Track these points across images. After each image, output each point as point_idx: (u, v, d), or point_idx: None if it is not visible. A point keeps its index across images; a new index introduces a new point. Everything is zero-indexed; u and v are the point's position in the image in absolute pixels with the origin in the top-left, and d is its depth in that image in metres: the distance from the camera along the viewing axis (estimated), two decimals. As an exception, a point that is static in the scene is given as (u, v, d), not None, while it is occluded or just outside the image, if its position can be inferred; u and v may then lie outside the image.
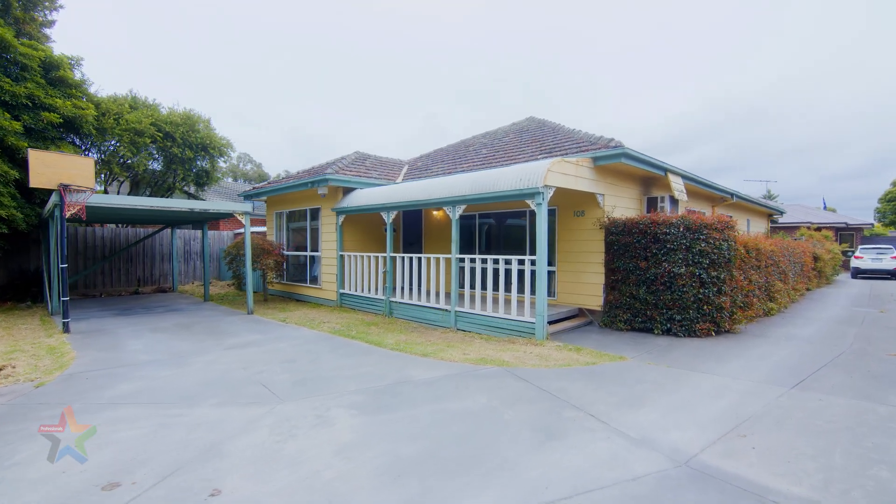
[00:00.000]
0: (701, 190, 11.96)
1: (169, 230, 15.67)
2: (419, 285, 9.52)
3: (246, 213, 10.45)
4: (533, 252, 10.12)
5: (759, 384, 5.07)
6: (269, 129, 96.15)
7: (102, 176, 15.45)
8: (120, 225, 16.50)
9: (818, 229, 25.81)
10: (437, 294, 8.99)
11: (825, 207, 40.69)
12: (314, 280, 12.71)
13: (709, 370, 5.63)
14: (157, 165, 16.75)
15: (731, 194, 13.54)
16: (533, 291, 10.22)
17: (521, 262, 7.50)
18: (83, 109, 12.39)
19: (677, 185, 9.70)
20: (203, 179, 17.03)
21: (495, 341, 7.54)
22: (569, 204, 9.39)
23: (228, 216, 10.50)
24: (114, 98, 14.74)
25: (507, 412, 4.19)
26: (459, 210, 8.52)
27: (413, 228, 13.04)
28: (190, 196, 18.36)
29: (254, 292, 14.78)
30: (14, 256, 13.14)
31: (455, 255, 8.61)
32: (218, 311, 11.04)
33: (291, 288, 13.66)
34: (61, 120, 11.78)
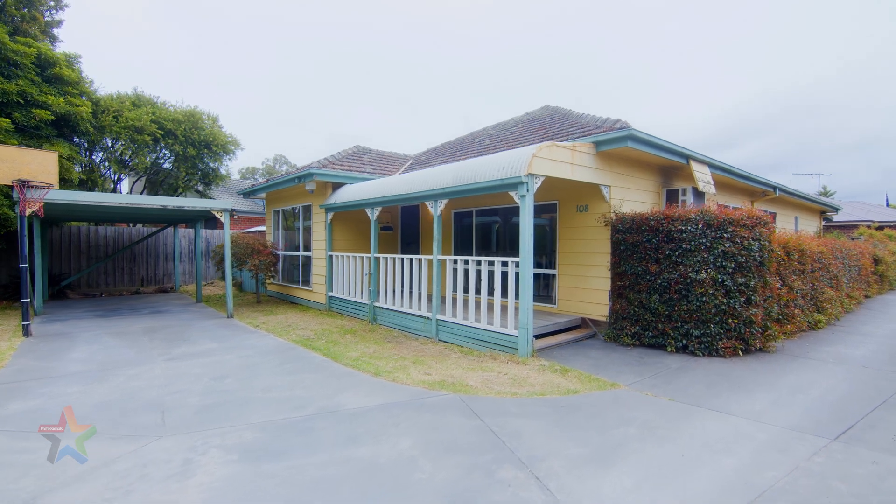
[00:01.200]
0: (735, 182, 10.38)
1: (171, 229, 15.41)
2: (402, 290, 8.58)
3: (224, 211, 9.81)
4: (546, 250, 8.96)
5: (790, 431, 3.77)
6: (315, 131, 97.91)
7: (110, 175, 15.38)
8: (129, 224, 16.43)
9: (880, 228, 22.97)
10: (420, 300, 7.99)
11: (888, 204, 36.80)
12: (306, 282, 11.98)
13: (723, 407, 4.35)
14: (167, 164, 16.61)
15: (774, 188, 11.81)
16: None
17: (506, 265, 6.41)
18: (77, 106, 12.18)
19: (702, 175, 8.27)
20: (210, 178, 16.74)
21: (474, 356, 6.47)
22: (571, 197, 8.16)
23: (206, 214, 9.92)
24: (115, 96, 14.59)
25: (424, 467, 3.14)
26: (441, 205, 7.48)
27: (411, 227, 12.09)
28: (200, 195, 18.13)
29: (252, 293, 14.30)
30: (15, 256, 13.07)
31: (437, 256, 7.58)
32: (201, 314, 10.47)
33: (286, 289, 13.01)
34: (53, 117, 11.57)
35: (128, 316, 10.13)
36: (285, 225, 13.30)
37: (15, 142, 10.87)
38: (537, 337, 7.03)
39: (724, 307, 6.20)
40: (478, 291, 7.72)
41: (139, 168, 14.27)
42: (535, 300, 8.77)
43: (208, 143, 15.74)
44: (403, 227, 12.27)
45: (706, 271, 6.27)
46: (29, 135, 11.52)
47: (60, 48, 14.72)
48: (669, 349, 6.54)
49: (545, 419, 4.00)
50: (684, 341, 6.44)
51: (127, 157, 14.18)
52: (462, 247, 10.68)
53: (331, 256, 10.66)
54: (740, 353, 6.27)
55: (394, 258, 8.68)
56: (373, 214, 9.16)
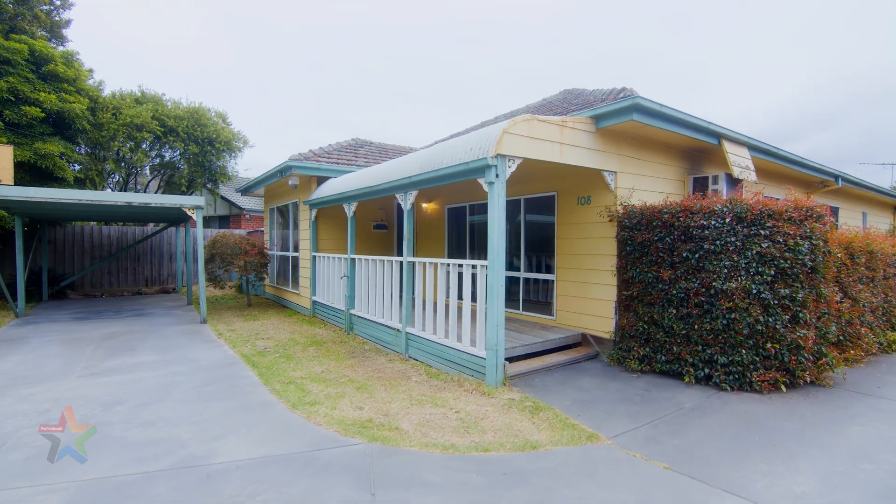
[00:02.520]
0: (785, 169, 8.61)
1: (173, 228, 15.05)
2: (376, 296, 7.48)
3: (196, 208, 9.07)
4: (544, 252, 7.63)
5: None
6: (349, 132, 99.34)
7: (110, 173, 15.22)
8: (131, 223, 16.27)
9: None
10: (392, 309, 6.87)
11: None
12: (295, 284, 11.14)
13: (745, 486, 2.95)
14: (182, 165, 16.35)
15: (836, 176, 9.85)
16: (522, 307, 7.74)
17: (475, 268, 5.17)
18: (70, 103, 11.90)
19: (738, 158, 6.68)
20: (216, 176, 16.33)
21: (438, 382, 5.28)
22: (571, 188, 6.78)
23: (176, 210, 9.23)
24: (118, 94, 14.36)
25: None
26: (411, 197, 6.32)
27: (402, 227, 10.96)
28: (211, 194, 17.81)
29: (252, 295, 13.65)
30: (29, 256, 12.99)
31: (406, 257, 6.43)
32: (180, 318, 9.80)
33: (280, 292, 12.24)
34: (43, 114, 11.30)
35: (106, 319, 9.59)
36: (279, 223, 12.55)
37: (4, 139, 10.65)
38: (522, 358, 5.75)
39: (760, 327, 4.69)
40: (460, 297, 6.51)
41: (137, 165, 13.94)
42: (530, 311, 7.45)
43: (211, 141, 15.29)
44: (399, 225, 11.19)
45: (736, 279, 4.78)
46: (22, 133, 11.30)
47: (70, 48, 14.69)
48: (687, 379, 5.07)
49: (466, 501, 2.75)
50: (706, 370, 4.96)
51: (125, 155, 13.89)
52: (457, 247, 9.46)
53: (315, 257, 9.72)
54: (783, 387, 4.73)
55: (367, 260, 7.60)
56: (349, 210, 8.12)
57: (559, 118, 5.36)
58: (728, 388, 4.81)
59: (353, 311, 8.07)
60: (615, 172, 6.06)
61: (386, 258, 6.97)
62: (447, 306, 5.70)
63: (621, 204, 6.01)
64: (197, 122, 14.99)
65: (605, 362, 5.96)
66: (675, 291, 5.17)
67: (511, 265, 7.98)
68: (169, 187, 17.99)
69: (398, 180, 6.32)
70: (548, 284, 7.22)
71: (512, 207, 7.89)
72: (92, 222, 15.48)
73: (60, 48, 13.23)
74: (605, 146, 5.91)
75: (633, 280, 5.66)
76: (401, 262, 6.69)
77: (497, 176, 4.80)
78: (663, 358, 5.29)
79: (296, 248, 11.08)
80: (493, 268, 4.85)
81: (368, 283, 7.63)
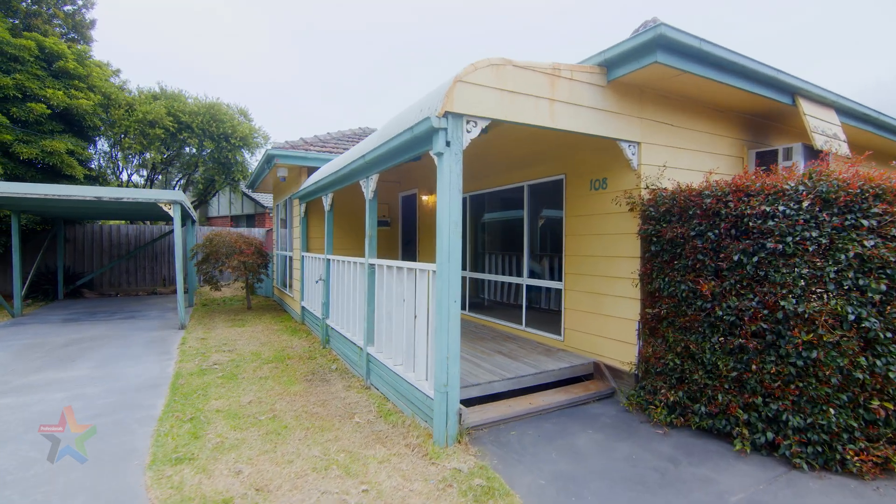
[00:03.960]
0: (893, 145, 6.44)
1: (188, 226, 14.68)
2: (346, 305, 6.24)
3: (174, 203, 8.27)
4: (552, 253, 6.09)
5: None
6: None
7: (130, 174, 15.11)
8: (148, 222, 16.16)
9: None
10: (356, 322, 5.60)
11: None
12: (291, 287, 10.18)
13: None
14: (204, 168, 16.08)
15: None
16: (525, 322, 6.19)
17: (423, 273, 3.75)
18: (77, 99, 11.68)
19: (823, 123, 4.78)
20: (233, 173, 15.87)
21: (385, 425, 3.95)
22: (583, 168, 5.16)
23: (150, 206, 8.48)
24: (136, 91, 14.17)
25: None
26: (372, 182, 4.99)
27: (409, 222, 9.69)
28: (235, 192, 17.46)
29: (262, 297, 12.95)
30: (42, 255, 13.02)
31: (368, 259, 5.11)
32: (164, 322, 9.09)
33: (282, 295, 11.39)
34: (49, 111, 11.10)
35: (94, 322, 9.07)
36: (282, 221, 11.68)
37: (9, 137, 10.49)
38: (504, 396, 4.27)
39: (860, 374, 2.93)
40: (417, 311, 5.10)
41: (147, 163, 13.63)
42: (535, 327, 5.90)
43: (227, 136, 14.79)
44: (403, 222, 9.91)
45: (819, 297, 3.04)
46: (31, 130, 11.16)
47: (96, 48, 14.74)
48: (738, 446, 3.37)
49: None
50: (769, 434, 3.24)
51: (137, 152, 13.63)
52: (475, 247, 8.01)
53: (303, 258, 8.66)
54: (902, 473, 2.94)
55: (339, 261, 6.37)
56: (326, 202, 6.93)
57: (549, 63, 3.80)
58: (805, 467, 3.07)
59: (328, 322, 6.89)
60: (637, 144, 4.41)
61: (355, 260, 5.70)
62: (410, 322, 4.32)
63: (647, 187, 4.36)
64: (213, 117, 14.54)
65: (620, 406, 4.32)
66: (720, 312, 3.48)
67: (513, 269, 6.45)
68: (191, 186, 17.87)
69: (354, 162, 5.02)
70: (553, 296, 5.64)
71: (513, 197, 6.36)
72: (110, 221, 15.49)
73: (80, 46, 13.11)
74: (621, 106, 4.27)
75: (661, 293, 4.00)
76: (364, 265, 5.37)
77: (448, 144, 3.36)
78: (703, 409, 3.60)
79: (292, 247, 10.13)
80: (443, 275, 3.41)
81: (339, 289, 6.40)
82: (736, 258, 3.39)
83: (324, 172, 6.75)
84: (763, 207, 3.31)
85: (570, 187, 5.32)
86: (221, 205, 20.47)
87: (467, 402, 4.08)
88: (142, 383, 5.18)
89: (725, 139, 5.10)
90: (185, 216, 11.72)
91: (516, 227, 6.33)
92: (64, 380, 5.27)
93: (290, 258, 10.12)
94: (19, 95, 10.81)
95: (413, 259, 9.43)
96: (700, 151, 4.85)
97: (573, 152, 5.24)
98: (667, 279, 3.93)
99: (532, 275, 6.05)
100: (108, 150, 13.70)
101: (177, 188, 18.80)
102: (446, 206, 3.37)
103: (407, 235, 9.77)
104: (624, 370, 4.52)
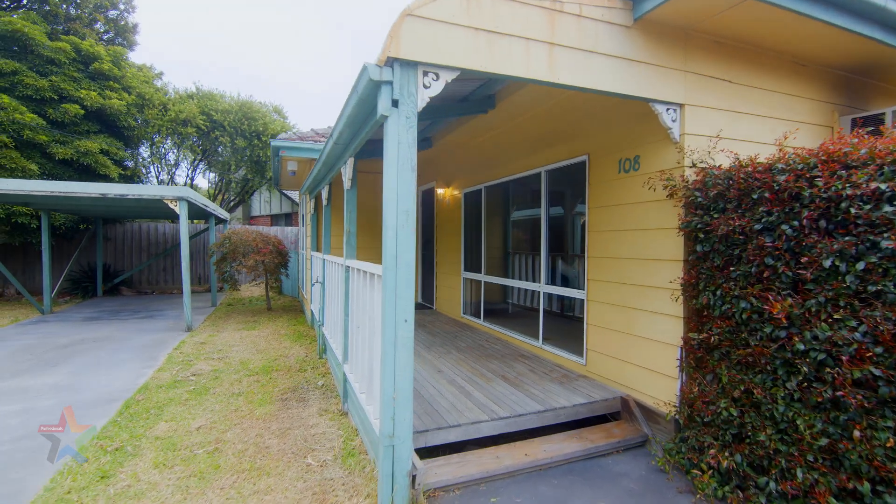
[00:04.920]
0: None
1: (222, 226, 14.69)
2: (336, 312, 5.46)
3: (180, 199, 7.91)
4: (572, 254, 5.03)
5: None
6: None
7: (162, 173, 15.32)
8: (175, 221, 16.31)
9: None
10: (336, 332, 4.81)
11: None
12: (306, 288, 9.64)
13: None
14: (241, 169, 16.14)
15: None
16: (541, 338, 5.13)
17: (372, 277, 2.84)
18: (110, 99, 11.83)
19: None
20: (266, 171, 15.75)
21: (340, 471, 3.14)
22: (609, 145, 4.03)
23: (157, 202, 8.16)
24: (174, 91, 14.32)
25: None
26: (349, 168, 4.17)
27: (429, 220, 8.82)
28: (270, 191, 17.44)
29: (289, 297, 12.62)
30: (80, 253, 13.41)
31: (346, 261, 4.29)
32: (174, 323, 8.82)
33: (302, 296, 10.92)
34: (83, 111, 11.27)
35: (112, 321, 8.97)
36: (302, 217, 11.22)
37: (45, 138, 10.73)
38: (504, 439, 3.29)
39: None
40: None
41: (178, 161, 13.67)
42: (553, 344, 4.84)
43: (259, 134, 14.64)
44: (423, 218, 9.05)
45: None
46: (67, 130, 11.40)
47: (138, 52, 15.11)
48: (831, 553, 2.18)
49: None
50: (887, 544, 2.04)
51: (169, 151, 13.73)
52: (473, 244, 7.03)
53: (312, 257, 8.05)
54: None
55: (329, 262, 5.62)
56: (324, 195, 6.21)
57: (547, -6, 2.77)
58: None
59: (323, 329, 6.17)
60: (679, 106, 3.26)
61: (337, 260, 4.90)
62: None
63: (692, 164, 3.20)
64: (245, 115, 14.43)
65: (651, 463, 3.19)
66: (802, 345, 2.31)
67: (530, 272, 5.40)
68: (230, 185, 18.03)
69: (327, 144, 4.21)
70: (573, 307, 4.54)
71: (530, 186, 5.30)
72: (148, 220, 15.81)
73: (117, 48, 13.37)
74: (655, 54, 3.14)
75: (711, 310, 2.85)
76: (342, 267, 4.55)
77: (395, 104, 2.43)
78: (773, 487, 2.43)
79: (305, 245, 9.59)
80: (389, 284, 2.49)
81: (330, 293, 5.65)
82: (828, 264, 2.21)
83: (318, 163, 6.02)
84: (875, 185, 2.11)
85: (594, 171, 4.20)
86: (262, 204, 20.65)
87: (442, 449, 3.14)
88: (99, 397, 4.66)
89: (807, 102, 3.79)
90: (208, 215, 11.56)
91: (533, 221, 5.27)
92: (28, 388, 4.87)
93: (304, 257, 9.59)
94: (55, 97, 11.04)
95: (431, 265, 8.55)
96: (769, 118, 3.59)
97: (598, 126, 4.13)
98: (719, 292, 2.77)
99: (551, 280, 4.97)
100: (148, 150, 13.92)
101: (218, 188, 19.10)
102: (393, 191, 2.45)
103: (426, 235, 8.91)
104: (660, 412, 3.38)
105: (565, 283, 4.78)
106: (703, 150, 3.26)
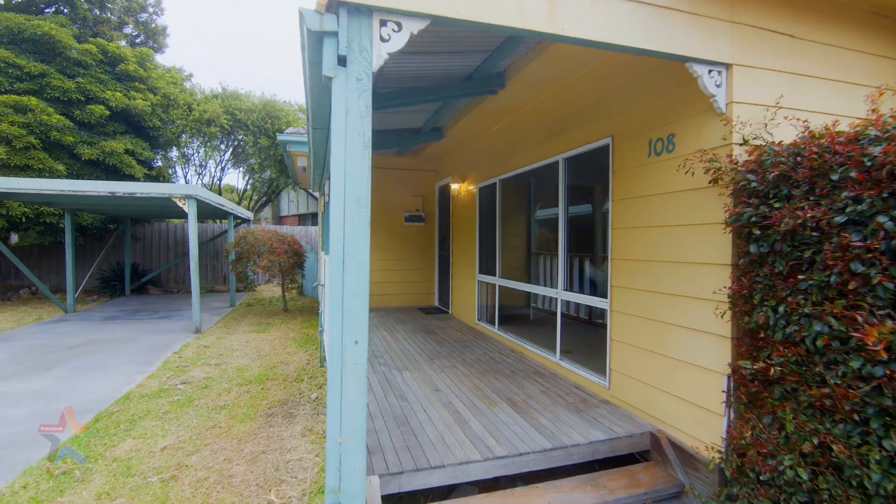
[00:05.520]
0: None
1: (246, 225, 14.64)
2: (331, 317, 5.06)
3: (188, 198, 7.69)
4: (595, 255, 4.37)
5: None
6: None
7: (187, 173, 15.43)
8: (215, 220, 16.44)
9: None
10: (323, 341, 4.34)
11: None
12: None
13: None
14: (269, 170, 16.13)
15: None
16: (559, 352, 4.47)
17: (343, 264, 2.30)
18: (134, 100, 11.92)
19: None
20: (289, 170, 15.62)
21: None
22: (637, 124, 3.32)
23: (165, 201, 7.96)
24: (196, 92, 14.39)
25: None
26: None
27: (446, 217, 8.25)
28: (296, 191, 17.37)
29: (309, 298, 12.38)
30: (107, 252, 13.63)
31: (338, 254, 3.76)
32: (187, 324, 8.65)
33: (320, 297, 10.57)
34: (108, 112, 11.39)
35: (130, 321, 8.91)
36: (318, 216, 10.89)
37: (72, 139, 10.87)
38: (506, 482, 2.70)
39: None
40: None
41: (203, 161, 13.68)
42: (572, 361, 4.19)
43: (281, 132, 14.49)
44: (441, 215, 8.49)
45: None
46: (95, 131, 11.55)
47: (168, 54, 15.32)
48: None
49: None
50: None
51: (194, 151, 13.77)
52: (488, 244, 6.40)
53: (322, 257, 7.64)
54: None
55: (325, 260, 5.13)
56: (325, 189, 5.77)
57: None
58: None
59: (324, 336, 5.70)
60: (725, 67, 2.55)
61: (325, 257, 4.39)
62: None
63: (743, 141, 2.49)
64: (268, 114, 14.33)
65: (691, 521, 2.50)
66: (911, 390, 1.58)
67: (547, 276, 4.74)
68: (252, 184, 18.07)
69: (309, 126, 3.71)
70: (600, 317, 3.85)
71: (546, 177, 4.64)
72: (175, 220, 15.98)
73: (142, 49, 13.53)
74: (696, 4, 2.45)
75: (771, 332, 2.14)
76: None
77: (343, 62, 1.88)
78: (863, 584, 1.72)
79: (319, 245, 9.23)
80: (335, 293, 1.94)
81: (326, 296, 5.17)
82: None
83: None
84: None
85: (619, 155, 3.51)
86: (289, 203, 20.70)
87: (424, 495, 2.57)
88: (76, 407, 4.35)
89: (892, 60, 2.98)
90: (226, 214, 11.43)
91: (551, 218, 4.61)
92: (7, 395, 4.64)
93: (319, 257, 9.23)
94: (82, 98, 11.19)
95: (447, 266, 7.98)
96: (843, 83, 2.81)
97: (623, 101, 3.44)
98: (782, 308, 2.06)
99: (569, 286, 4.29)
100: (176, 151, 14.03)
101: (246, 187, 19.22)
102: (340, 173, 1.89)
103: (442, 233, 8.34)
104: (700, 456, 2.67)
105: (587, 288, 4.10)
106: (758, 123, 2.54)
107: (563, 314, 4.34)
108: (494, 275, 5.83)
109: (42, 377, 5.23)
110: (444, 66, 3.90)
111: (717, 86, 2.56)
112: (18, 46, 10.84)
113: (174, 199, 7.67)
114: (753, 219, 2.22)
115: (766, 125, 2.55)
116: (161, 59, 13.89)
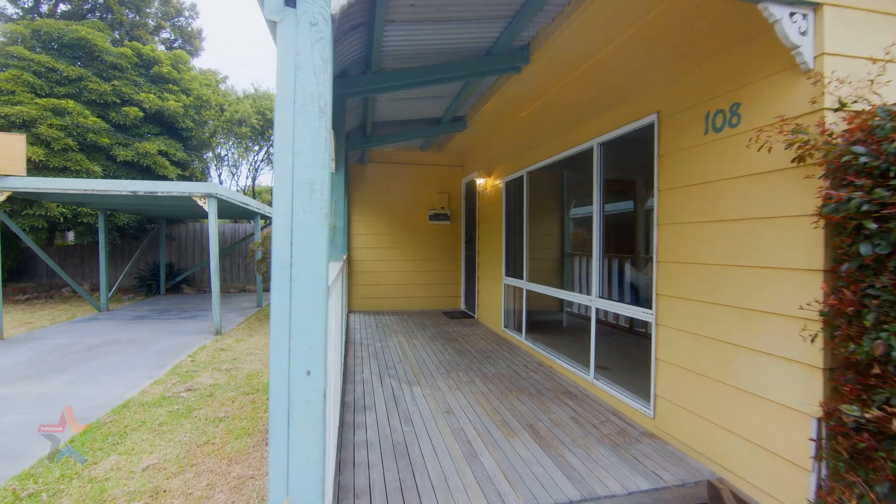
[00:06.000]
0: None
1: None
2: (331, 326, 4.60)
3: (208, 196, 7.53)
4: (635, 256, 3.77)
5: None
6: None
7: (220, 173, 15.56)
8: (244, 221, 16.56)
9: None
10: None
11: None
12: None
13: None
14: None
15: None
16: (593, 369, 3.88)
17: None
18: (167, 101, 12.06)
19: None
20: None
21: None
22: (689, 95, 2.69)
23: (185, 200, 7.83)
24: (230, 93, 14.50)
25: None
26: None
27: (472, 215, 7.72)
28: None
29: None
30: (142, 252, 13.90)
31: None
32: (209, 326, 8.53)
33: (343, 299, 10.29)
34: (142, 113, 11.56)
35: (156, 320, 8.92)
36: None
37: (107, 140, 11.10)
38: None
39: None
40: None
41: (236, 161, 13.74)
42: (609, 379, 3.60)
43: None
44: (469, 214, 7.97)
45: None
46: (130, 133, 11.77)
47: (203, 56, 15.56)
48: None
49: None
50: None
51: (227, 152, 13.85)
52: (515, 243, 5.81)
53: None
54: None
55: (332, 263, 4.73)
56: (331, 177, 5.36)
57: None
58: None
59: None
60: (813, 8, 1.91)
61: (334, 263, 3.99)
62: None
63: (839, 106, 1.85)
64: (298, 113, 14.22)
65: None
66: None
67: (580, 281, 4.14)
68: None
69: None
70: (643, 331, 3.24)
71: (580, 166, 4.04)
72: (205, 220, 16.18)
73: (176, 51, 13.74)
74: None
75: (894, 366, 1.50)
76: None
77: (290, 2, 1.41)
78: None
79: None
80: (279, 309, 1.46)
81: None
82: None
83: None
84: None
85: (666, 134, 2.89)
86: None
87: (411, 556, 2.07)
88: (75, 414, 4.13)
89: None
90: (252, 213, 11.34)
91: (583, 214, 4.01)
92: (9, 398, 4.49)
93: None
94: (117, 100, 11.40)
95: (473, 267, 7.46)
96: None
97: (672, 70, 2.81)
98: (914, 335, 1.43)
99: (605, 292, 3.68)
100: (210, 152, 14.19)
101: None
102: (287, 149, 1.42)
103: (469, 232, 7.82)
104: (778, 519, 2.04)
105: (627, 296, 3.49)
106: (860, 81, 1.89)
107: (598, 321, 3.73)
108: (521, 278, 5.26)
109: (51, 380, 5.10)
110: (456, 38, 3.39)
111: (802, 33, 1.92)
112: (58, 52, 11.16)
113: (194, 198, 7.53)
114: (865, 207, 1.59)
115: (871, 83, 1.89)
116: (197, 62, 14.10)
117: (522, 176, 5.20)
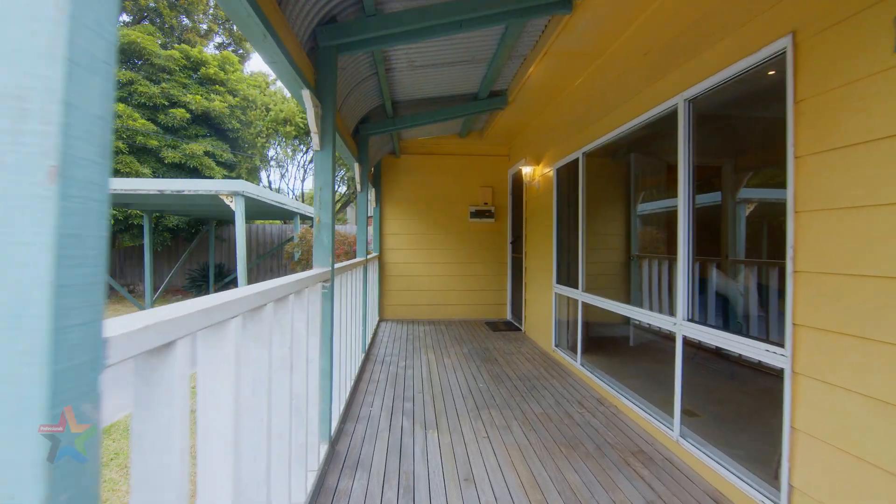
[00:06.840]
0: None
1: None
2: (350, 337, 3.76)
3: (235, 195, 7.10)
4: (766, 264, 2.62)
5: None
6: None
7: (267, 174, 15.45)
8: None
9: None
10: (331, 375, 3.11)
11: None
12: (378, 296, 8.26)
13: None
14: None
15: None
16: (681, 424, 2.72)
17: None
18: (213, 102, 12.03)
19: None
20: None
21: None
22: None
23: (212, 198, 7.43)
24: (276, 93, 14.39)
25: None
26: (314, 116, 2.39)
27: (517, 210, 6.71)
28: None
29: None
30: (191, 253, 14.07)
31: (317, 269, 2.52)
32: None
33: (382, 303, 9.62)
34: (188, 115, 11.59)
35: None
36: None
37: (156, 142, 11.20)
38: None
39: None
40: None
41: (282, 161, 13.55)
42: (701, 441, 2.47)
43: (355, 129, 13.95)
44: (514, 209, 6.97)
45: None
46: (179, 134, 11.86)
47: (255, 59, 15.63)
48: None
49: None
50: None
51: (275, 152, 13.72)
52: (567, 244, 4.73)
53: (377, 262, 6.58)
54: None
55: (343, 268, 3.95)
56: (357, 174, 4.61)
57: None
58: None
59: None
60: None
61: (350, 263, 3.19)
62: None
63: None
64: (342, 110, 13.83)
65: None
66: None
67: (657, 294, 3.06)
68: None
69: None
70: (768, 380, 2.13)
71: (656, 136, 2.96)
72: (256, 221, 16.22)
73: (224, 53, 13.78)
74: None
75: None
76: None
77: None
78: None
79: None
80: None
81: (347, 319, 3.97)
82: None
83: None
84: None
85: (810, 64, 1.78)
86: (369, 204, 20.37)
87: None
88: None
89: None
90: (290, 213, 10.98)
91: (666, 204, 2.92)
92: None
93: (376, 260, 8.21)
94: (166, 103, 11.49)
95: (519, 271, 6.45)
96: None
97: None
98: None
99: (698, 313, 2.58)
100: (258, 153, 14.16)
101: (344, 189, 19.15)
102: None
103: (516, 231, 6.81)
104: None
105: (734, 321, 2.38)
106: None
107: (684, 345, 2.64)
108: (576, 286, 4.20)
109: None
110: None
111: None
112: (111, 57, 11.40)
113: (221, 196, 7.12)
114: None
115: None
116: (249, 65, 14.13)
117: (577, 158, 4.14)
